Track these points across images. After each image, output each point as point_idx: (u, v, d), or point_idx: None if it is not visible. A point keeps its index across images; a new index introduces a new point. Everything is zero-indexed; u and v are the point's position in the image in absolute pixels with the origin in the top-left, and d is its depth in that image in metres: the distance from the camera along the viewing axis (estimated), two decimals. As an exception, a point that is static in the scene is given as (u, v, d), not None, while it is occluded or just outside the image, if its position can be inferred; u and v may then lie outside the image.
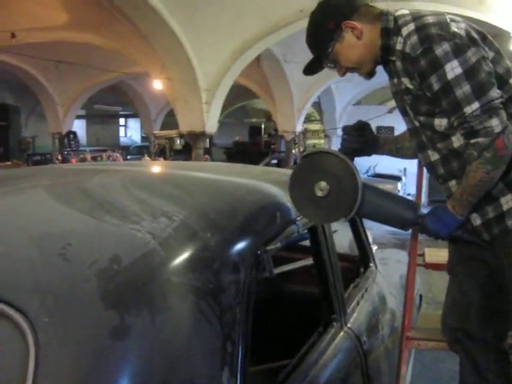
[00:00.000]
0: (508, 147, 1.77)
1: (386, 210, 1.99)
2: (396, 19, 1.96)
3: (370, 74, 2.10)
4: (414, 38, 1.84)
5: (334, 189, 1.85)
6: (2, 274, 1.14)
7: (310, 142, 23.91)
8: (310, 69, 2.12)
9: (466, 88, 1.78)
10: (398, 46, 1.92)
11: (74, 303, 1.10)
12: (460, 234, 2.06)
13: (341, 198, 1.86)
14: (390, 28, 1.96)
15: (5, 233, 1.29)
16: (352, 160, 1.93)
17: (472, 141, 1.80)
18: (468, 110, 1.78)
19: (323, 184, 1.86)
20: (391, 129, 17.91)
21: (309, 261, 1.63)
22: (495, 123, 1.76)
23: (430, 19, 1.86)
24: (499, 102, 1.79)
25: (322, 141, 23.29)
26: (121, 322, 1.09)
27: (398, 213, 1.99)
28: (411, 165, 2.60)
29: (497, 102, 1.78)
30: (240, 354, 1.27)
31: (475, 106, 1.77)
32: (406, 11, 1.97)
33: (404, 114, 2.08)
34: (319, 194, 1.86)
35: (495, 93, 1.79)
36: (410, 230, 2.24)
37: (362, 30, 1.98)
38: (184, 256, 1.28)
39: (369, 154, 2.24)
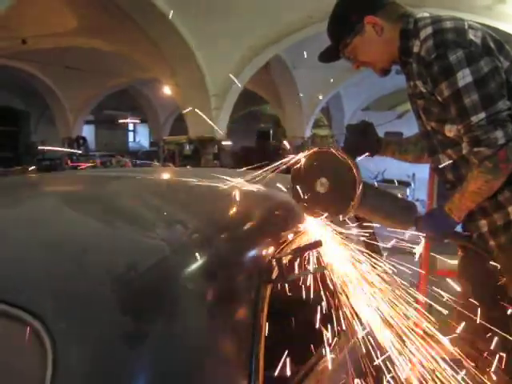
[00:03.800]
0: (510, 160, 1.78)
1: (384, 208, 2.01)
2: (416, 21, 1.96)
3: (384, 72, 2.10)
4: (430, 42, 1.85)
5: (335, 184, 1.87)
6: (19, 280, 1.15)
7: (319, 147, 23.84)
8: (326, 56, 2.13)
9: (474, 97, 1.78)
10: (415, 49, 1.92)
11: (90, 309, 1.12)
12: (456, 237, 2.07)
13: (341, 193, 1.88)
14: (409, 30, 1.96)
15: (22, 239, 1.31)
16: (354, 159, 1.95)
17: (475, 149, 1.81)
18: (474, 119, 1.79)
19: (324, 180, 1.87)
20: (399, 134, 17.84)
21: (322, 268, 1.64)
22: (500, 135, 1.76)
23: (448, 24, 1.86)
24: (506, 115, 1.79)
25: (331, 146, 23.23)
26: (136, 327, 1.11)
27: (396, 212, 2.01)
28: (420, 170, 2.61)
29: (504, 114, 1.78)
30: (254, 359, 1.27)
31: (482, 115, 1.78)
32: (426, 14, 1.97)
33: (417, 117, 2.09)
34: (320, 190, 1.88)
35: (503, 105, 1.79)
36: (422, 238, 2.24)
37: (382, 27, 1.99)
38: (197, 263, 1.29)
39: (371, 155, 2.23)
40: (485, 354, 2.12)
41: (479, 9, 8.96)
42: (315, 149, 1.97)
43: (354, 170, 1.87)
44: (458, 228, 2.14)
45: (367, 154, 2.20)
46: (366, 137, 2.16)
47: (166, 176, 2.51)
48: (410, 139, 2.29)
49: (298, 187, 1.90)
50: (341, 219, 1.94)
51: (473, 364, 2.16)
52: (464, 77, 1.79)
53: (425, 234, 2.03)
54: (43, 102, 19.87)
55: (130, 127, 32.33)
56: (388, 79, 2.12)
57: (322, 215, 1.91)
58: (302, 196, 1.89)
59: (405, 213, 2.02)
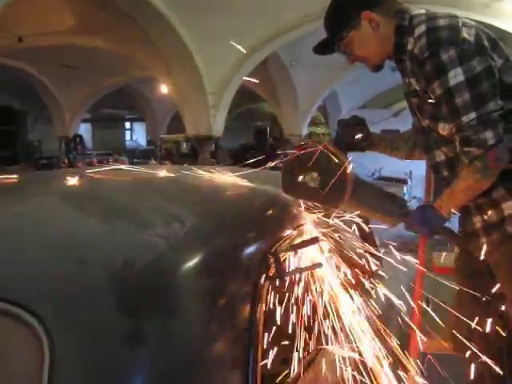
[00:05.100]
0: (499, 160, 1.79)
1: (375, 203, 2.02)
2: (411, 18, 1.96)
3: (376, 68, 2.10)
4: (423, 40, 1.85)
5: (326, 179, 1.87)
6: (17, 279, 1.15)
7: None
8: (321, 49, 2.13)
9: (465, 96, 1.79)
10: (409, 46, 1.92)
11: (88, 307, 1.12)
12: (446, 233, 2.08)
13: (332, 188, 1.88)
14: (404, 26, 1.96)
15: (20, 238, 1.31)
16: (345, 154, 1.95)
17: (465, 149, 1.82)
18: (465, 118, 1.80)
19: (315, 175, 1.88)
20: (396, 132, 17.75)
21: (319, 265, 1.64)
22: (489, 135, 1.77)
23: (442, 22, 1.86)
24: (498, 115, 1.79)
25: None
26: (134, 325, 1.11)
27: (386, 206, 2.02)
28: (417, 167, 2.62)
29: (495, 115, 1.78)
30: (252, 357, 1.28)
31: (472, 115, 1.78)
32: (422, 11, 1.97)
33: (413, 114, 2.10)
34: (311, 184, 1.88)
35: (495, 105, 1.79)
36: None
37: (378, 23, 1.99)
38: (195, 260, 1.29)
39: (362, 150, 2.24)
40: (479, 350, 2.12)
41: (476, 6, 8.95)
42: (306, 143, 1.97)
43: (345, 165, 1.87)
44: (456, 224, 2.16)
45: (358, 149, 2.21)
46: (357, 132, 2.17)
47: (163, 173, 2.51)
48: (401, 136, 2.30)
49: (289, 184, 1.90)
50: (332, 218, 1.95)
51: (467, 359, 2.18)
52: (456, 76, 1.79)
53: (414, 230, 2.04)
54: (40, 101, 19.83)
55: (127, 126, 32.29)
56: (385, 77, 2.14)
57: (314, 210, 1.92)
58: (293, 193, 1.90)
59: (394, 207, 2.03)
